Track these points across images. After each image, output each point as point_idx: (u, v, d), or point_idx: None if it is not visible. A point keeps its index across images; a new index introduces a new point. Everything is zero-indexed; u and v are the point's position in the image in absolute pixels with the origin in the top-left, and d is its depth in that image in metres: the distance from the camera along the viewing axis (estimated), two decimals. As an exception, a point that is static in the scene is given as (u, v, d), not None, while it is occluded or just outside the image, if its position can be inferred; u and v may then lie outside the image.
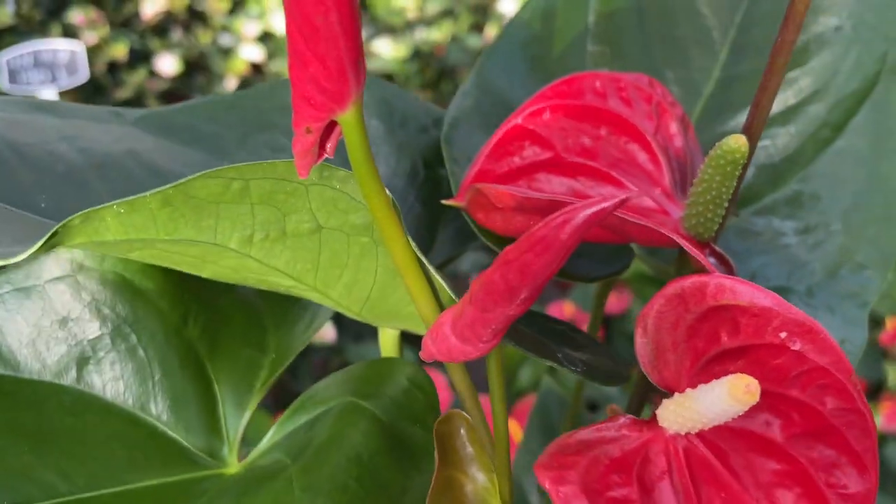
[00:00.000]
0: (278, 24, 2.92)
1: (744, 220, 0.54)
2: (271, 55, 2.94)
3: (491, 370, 0.36)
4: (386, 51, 3.04)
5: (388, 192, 0.34)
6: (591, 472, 0.36)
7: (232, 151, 0.52)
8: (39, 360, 0.42)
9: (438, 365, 0.44)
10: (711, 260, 0.44)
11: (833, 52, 0.54)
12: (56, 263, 0.44)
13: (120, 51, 2.80)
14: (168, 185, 0.34)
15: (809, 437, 0.37)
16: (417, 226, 0.52)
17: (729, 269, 0.43)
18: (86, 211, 0.33)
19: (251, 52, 2.90)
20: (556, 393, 0.73)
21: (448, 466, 0.38)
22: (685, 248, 0.37)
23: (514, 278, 0.30)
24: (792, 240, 0.53)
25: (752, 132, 0.42)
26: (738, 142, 0.40)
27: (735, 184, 0.41)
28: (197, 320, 0.45)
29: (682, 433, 0.37)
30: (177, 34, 2.93)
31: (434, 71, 3.10)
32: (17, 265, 0.44)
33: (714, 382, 0.35)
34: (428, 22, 3.16)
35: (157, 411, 0.43)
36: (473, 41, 3.03)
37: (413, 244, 0.36)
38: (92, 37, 2.75)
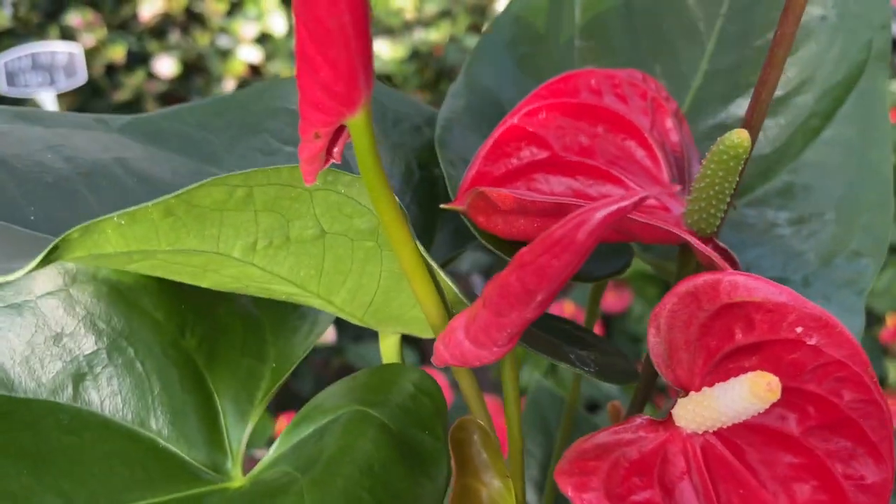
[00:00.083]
0: (276, 25, 2.91)
1: (737, 212, 0.54)
2: (269, 56, 2.92)
3: (505, 374, 0.36)
4: (384, 51, 3.03)
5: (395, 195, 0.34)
6: (612, 477, 0.35)
7: (222, 157, 0.51)
8: (34, 379, 0.41)
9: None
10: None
11: (819, 41, 0.54)
12: (47, 278, 0.42)
13: (118, 53, 2.78)
14: (170, 195, 0.33)
15: (826, 430, 0.37)
16: (414, 227, 0.51)
17: (733, 264, 0.43)
18: (85, 224, 0.32)
19: (249, 54, 2.89)
20: (547, 390, 0.73)
21: (465, 475, 0.37)
22: (696, 246, 0.37)
23: (531, 281, 0.30)
24: (786, 230, 0.53)
25: (753, 125, 0.41)
26: (740, 136, 0.40)
27: (738, 178, 0.41)
28: (194, 331, 0.44)
29: (700, 432, 0.37)
30: (175, 36, 2.91)
31: (432, 71, 3.09)
32: (6, 282, 0.42)
33: (733, 381, 0.35)
34: (426, 23, 3.16)
35: (158, 426, 0.42)
36: (471, 42, 3.04)
37: (422, 248, 0.35)
38: (90, 39, 2.72)
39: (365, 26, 0.27)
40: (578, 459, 0.36)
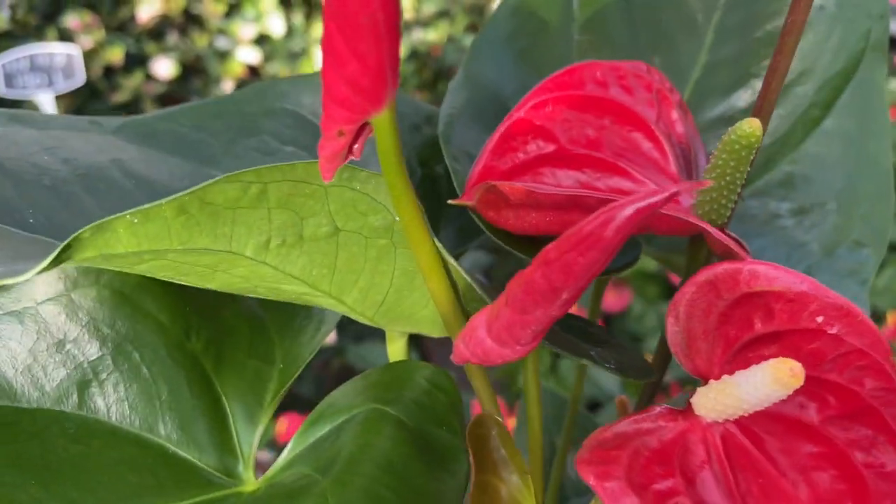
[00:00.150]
0: (274, 26, 2.89)
1: (739, 203, 0.54)
2: (268, 57, 2.90)
3: (527, 373, 0.35)
4: (383, 52, 3.01)
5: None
6: (633, 466, 0.35)
7: (219, 158, 0.50)
8: (38, 388, 0.40)
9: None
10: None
11: (817, 32, 0.54)
12: (48, 283, 0.41)
13: (116, 54, 2.75)
14: (183, 192, 0.32)
15: (846, 419, 0.37)
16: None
17: (746, 254, 0.43)
18: (97, 222, 0.31)
19: (248, 55, 2.87)
20: (546, 390, 0.72)
21: (484, 471, 0.37)
22: (715, 235, 0.37)
23: (557, 278, 0.29)
24: (788, 221, 0.53)
25: (763, 114, 0.41)
26: (751, 126, 0.39)
27: (748, 167, 0.41)
28: (200, 334, 0.43)
29: (720, 421, 0.37)
30: (173, 38, 2.88)
31: (431, 71, 3.09)
32: (6, 288, 0.41)
33: (754, 368, 0.35)
34: (424, 23, 3.14)
35: (166, 431, 0.41)
36: (470, 42, 3.03)
37: (441, 247, 0.34)
38: (88, 41, 2.69)
39: (396, 21, 0.27)
40: (599, 448, 0.35)
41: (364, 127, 0.30)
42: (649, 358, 0.50)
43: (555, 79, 0.45)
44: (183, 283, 0.39)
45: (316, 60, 2.80)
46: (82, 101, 2.69)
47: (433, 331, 0.44)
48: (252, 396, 0.43)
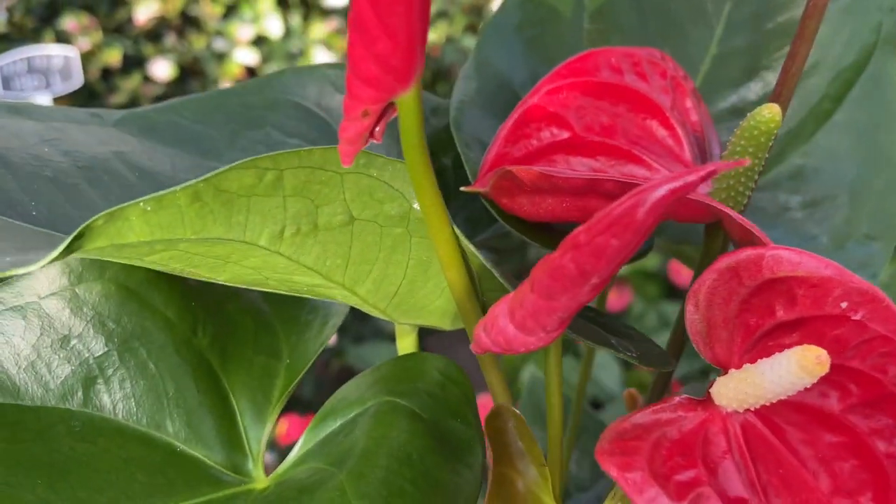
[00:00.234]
0: (272, 27, 2.88)
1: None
2: (266, 59, 2.89)
3: (550, 362, 0.35)
4: (382, 52, 3.00)
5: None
6: (655, 457, 0.34)
7: (222, 151, 0.49)
8: (42, 385, 0.39)
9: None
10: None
11: (829, 23, 0.54)
12: (51, 277, 0.40)
13: (114, 56, 2.73)
14: (198, 179, 0.31)
15: (867, 407, 0.36)
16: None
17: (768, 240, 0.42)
18: (109, 210, 0.30)
19: (245, 56, 2.85)
20: (542, 382, 0.72)
21: (502, 463, 0.36)
22: (737, 220, 0.36)
23: (587, 262, 0.29)
24: (798, 214, 0.53)
25: (782, 100, 0.41)
26: (771, 111, 0.39)
27: (766, 154, 0.41)
28: (206, 329, 0.42)
29: (741, 410, 0.36)
30: (170, 39, 2.86)
31: (430, 71, 3.07)
32: (7, 282, 0.40)
33: (778, 356, 0.34)
34: None
35: (174, 429, 0.40)
36: (469, 42, 3.01)
37: (462, 235, 0.34)
38: (85, 43, 2.67)
39: None
40: (618, 440, 0.35)
41: (388, 108, 0.29)
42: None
43: (568, 65, 0.44)
44: (192, 275, 0.38)
45: (314, 61, 2.79)
46: (80, 104, 2.66)
47: (444, 323, 0.43)
48: (260, 393, 0.42)
